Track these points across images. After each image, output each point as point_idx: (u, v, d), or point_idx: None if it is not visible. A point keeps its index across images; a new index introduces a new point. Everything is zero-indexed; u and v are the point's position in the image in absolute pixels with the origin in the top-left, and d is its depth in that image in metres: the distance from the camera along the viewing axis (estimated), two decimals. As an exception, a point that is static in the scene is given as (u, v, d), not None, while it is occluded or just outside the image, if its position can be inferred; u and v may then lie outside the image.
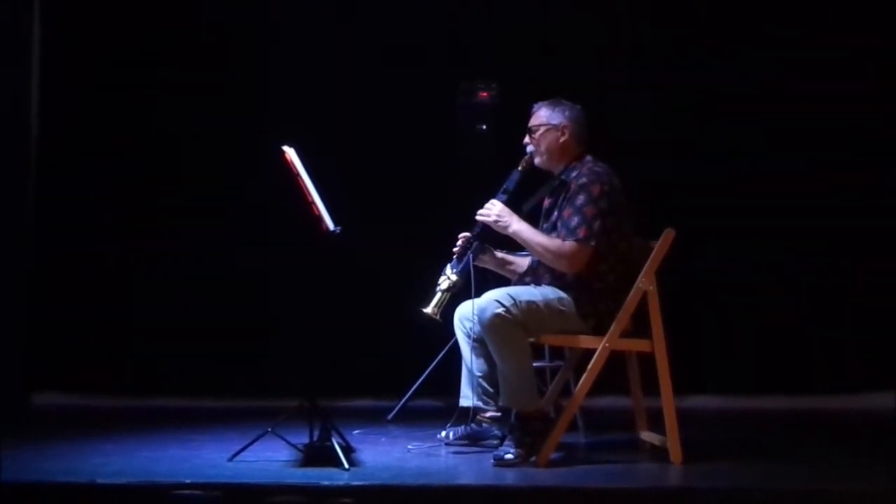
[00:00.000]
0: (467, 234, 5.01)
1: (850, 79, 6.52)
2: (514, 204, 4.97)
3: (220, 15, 6.62)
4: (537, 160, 5.03)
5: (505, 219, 4.88)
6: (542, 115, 5.02)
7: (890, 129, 6.54)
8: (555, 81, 5.84)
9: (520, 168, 5.03)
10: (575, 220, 4.78)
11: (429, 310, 4.89)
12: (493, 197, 4.95)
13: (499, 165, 5.32)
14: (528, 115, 5.05)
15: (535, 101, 5.07)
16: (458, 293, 4.96)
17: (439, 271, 4.98)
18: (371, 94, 6.54)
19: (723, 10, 6.57)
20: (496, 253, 5.11)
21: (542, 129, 5.01)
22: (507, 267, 5.13)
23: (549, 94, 5.09)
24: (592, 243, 4.76)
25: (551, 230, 4.90)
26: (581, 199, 4.80)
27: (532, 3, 6.60)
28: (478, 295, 4.81)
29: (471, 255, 4.96)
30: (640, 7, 6.61)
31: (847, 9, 6.56)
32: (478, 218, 4.94)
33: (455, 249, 5.00)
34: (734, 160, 6.53)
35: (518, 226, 4.87)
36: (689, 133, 6.54)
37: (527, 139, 5.04)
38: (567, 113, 4.99)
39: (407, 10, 6.56)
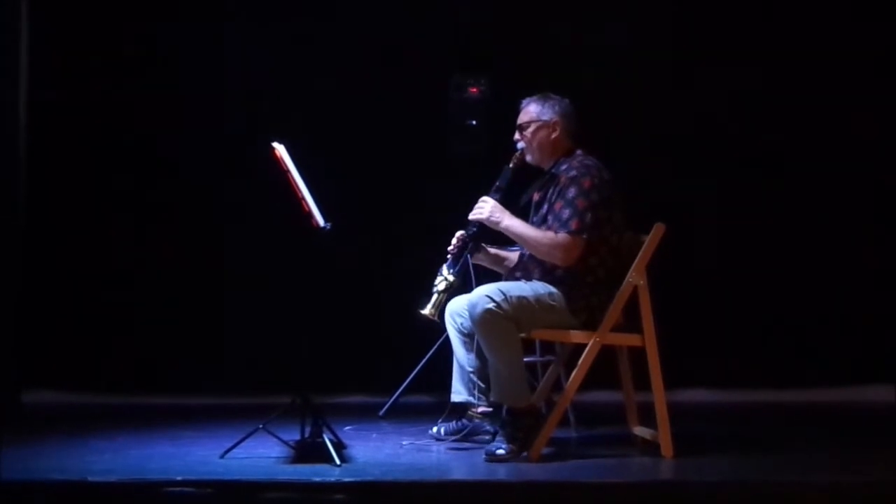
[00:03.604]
0: (462, 233, 5.00)
1: (850, 76, 6.55)
2: (507, 201, 4.96)
3: (212, 9, 6.61)
4: (529, 157, 5.02)
5: (497, 215, 4.87)
6: (532, 112, 5.01)
7: (882, 128, 6.56)
8: (545, 76, 5.86)
9: (511, 165, 5.02)
10: (567, 213, 4.78)
11: (427, 311, 4.88)
12: (486, 195, 4.94)
13: (490, 160, 5.32)
14: (517, 111, 5.04)
15: (525, 96, 5.06)
16: (455, 293, 4.96)
17: (436, 272, 4.97)
18: (362, 88, 6.53)
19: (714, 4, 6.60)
20: (490, 249, 5.11)
21: (532, 126, 5.00)
22: (504, 263, 5.13)
23: (540, 89, 5.08)
24: (585, 235, 4.76)
25: (541, 223, 4.90)
26: (572, 191, 4.80)
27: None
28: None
29: (468, 255, 4.97)
30: (632, 3, 6.62)
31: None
32: (471, 216, 4.93)
33: (450, 250, 4.99)
34: (726, 153, 6.55)
35: (510, 221, 4.87)
36: (681, 127, 6.55)
37: (517, 136, 5.03)
38: (557, 108, 4.99)
39: (398, 4, 6.56)
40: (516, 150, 5.03)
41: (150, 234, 6.55)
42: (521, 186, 5.09)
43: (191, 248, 6.53)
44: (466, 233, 4.98)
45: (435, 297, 4.90)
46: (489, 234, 5.01)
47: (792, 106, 6.54)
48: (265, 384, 6.17)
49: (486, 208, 4.89)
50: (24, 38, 6.42)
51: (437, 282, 4.93)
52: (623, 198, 4.91)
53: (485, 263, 5.12)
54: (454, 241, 4.99)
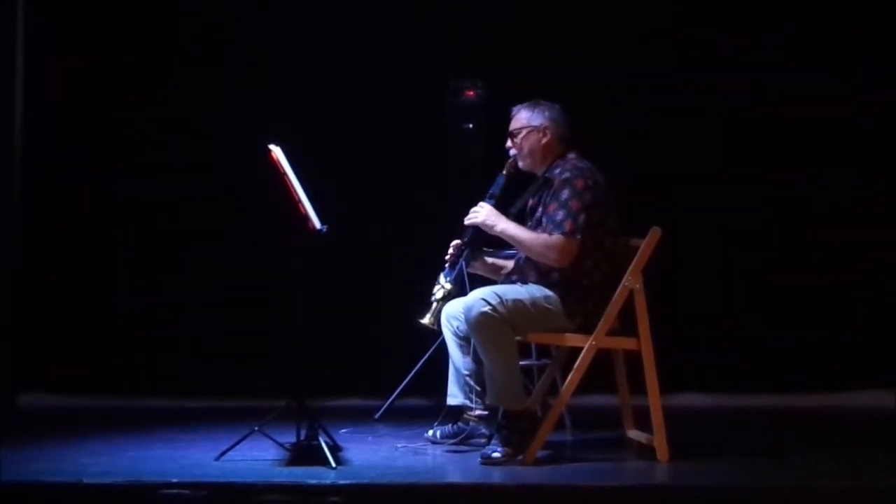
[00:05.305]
0: (458, 241, 5.01)
1: (840, 76, 6.54)
2: (501, 208, 4.97)
3: (207, 14, 6.61)
4: (521, 163, 5.03)
5: (492, 219, 4.89)
6: (523, 118, 5.02)
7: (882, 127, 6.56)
8: (541, 80, 5.86)
9: (504, 172, 5.04)
10: (560, 214, 4.79)
11: (426, 321, 4.92)
12: (481, 202, 4.96)
13: (486, 164, 5.33)
14: (508, 119, 5.05)
15: (521, 100, 5.07)
16: (452, 299, 4.97)
17: (432, 274, 4.98)
18: (358, 92, 6.53)
19: (709, 9, 6.59)
20: (487, 259, 5.12)
21: (523, 132, 5.01)
22: (501, 272, 5.13)
23: (536, 93, 5.09)
24: (579, 236, 4.77)
25: (536, 227, 4.91)
26: (565, 193, 4.81)
27: (520, 3, 6.59)
28: None
29: (464, 263, 4.97)
30: (628, 6, 6.62)
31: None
32: (466, 221, 4.95)
33: (447, 258, 5.01)
34: (721, 155, 6.54)
35: (504, 225, 4.88)
36: (674, 132, 6.55)
37: (509, 143, 5.04)
38: (547, 113, 5.00)
39: (395, 9, 6.56)
40: (508, 157, 5.04)
41: (148, 236, 6.54)
42: (516, 194, 5.10)
43: (187, 250, 6.52)
44: (462, 240, 4.99)
45: (434, 306, 4.94)
46: (485, 240, 5.02)
47: (790, 106, 6.53)
48: (261, 387, 6.16)
49: (481, 213, 4.92)
50: (20, 35, 6.42)
51: (434, 290, 4.96)
52: (617, 201, 4.92)
53: (481, 272, 5.13)
54: (451, 249, 5.01)
